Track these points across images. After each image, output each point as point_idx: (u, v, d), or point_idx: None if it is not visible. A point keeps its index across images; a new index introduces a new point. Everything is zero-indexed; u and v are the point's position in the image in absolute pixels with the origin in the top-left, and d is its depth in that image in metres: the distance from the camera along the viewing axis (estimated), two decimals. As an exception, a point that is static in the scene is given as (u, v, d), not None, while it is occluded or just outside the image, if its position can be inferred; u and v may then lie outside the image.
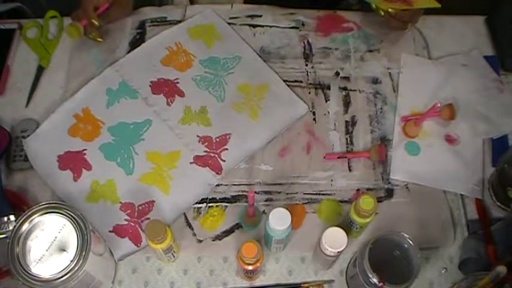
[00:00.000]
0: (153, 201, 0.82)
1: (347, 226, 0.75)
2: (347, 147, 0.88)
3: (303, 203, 0.83)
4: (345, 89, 0.94)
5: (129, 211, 0.81)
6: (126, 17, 1.00)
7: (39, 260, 0.63)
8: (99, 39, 0.95)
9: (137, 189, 0.82)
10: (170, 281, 0.78)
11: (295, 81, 0.94)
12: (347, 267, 0.78)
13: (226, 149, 0.86)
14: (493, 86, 0.93)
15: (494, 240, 0.76)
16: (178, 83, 0.92)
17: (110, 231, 0.79)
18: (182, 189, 0.83)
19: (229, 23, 1.00)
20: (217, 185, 0.84)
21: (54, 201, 0.66)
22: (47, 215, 0.65)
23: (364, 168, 0.86)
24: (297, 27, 1.00)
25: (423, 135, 0.88)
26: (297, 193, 0.84)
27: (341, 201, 0.83)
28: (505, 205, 0.81)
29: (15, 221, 0.68)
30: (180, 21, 1.00)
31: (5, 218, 0.75)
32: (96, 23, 0.92)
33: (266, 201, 0.83)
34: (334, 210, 0.82)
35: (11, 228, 0.73)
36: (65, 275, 0.62)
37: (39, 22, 1.00)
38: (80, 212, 0.66)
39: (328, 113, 0.91)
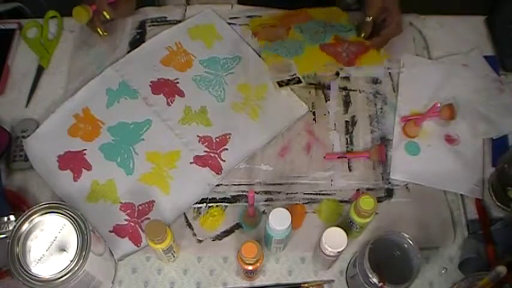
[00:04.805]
0: (153, 201, 0.82)
1: (347, 226, 0.75)
2: (347, 147, 0.88)
3: (303, 203, 0.83)
4: (345, 89, 0.94)
5: (129, 211, 0.81)
6: (129, 16, 1.00)
7: (39, 260, 0.63)
8: (105, 33, 0.95)
9: (137, 189, 0.82)
10: (170, 281, 0.78)
11: (295, 81, 0.94)
12: (347, 267, 0.78)
13: (226, 149, 0.86)
14: (493, 86, 0.93)
15: (494, 240, 0.76)
16: (178, 83, 0.92)
17: (110, 231, 0.79)
18: (182, 189, 0.83)
19: (229, 23, 1.00)
20: (217, 185, 0.84)
21: (54, 201, 0.66)
22: (47, 215, 0.65)
23: (364, 168, 0.86)
24: (297, 27, 1.00)
25: (423, 135, 0.88)
26: (297, 193, 0.84)
27: (341, 201, 0.83)
28: (505, 205, 0.81)
29: (15, 221, 0.68)
30: (180, 21, 1.00)
31: (5, 218, 0.75)
32: (107, 16, 0.92)
33: (266, 201, 0.83)
34: (334, 210, 0.82)
35: (11, 228, 0.74)
36: (65, 275, 0.62)
37: (39, 22, 1.00)
38: (80, 212, 0.66)
39: (328, 113, 0.91)
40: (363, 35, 0.93)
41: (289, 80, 0.81)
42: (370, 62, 0.92)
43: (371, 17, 0.91)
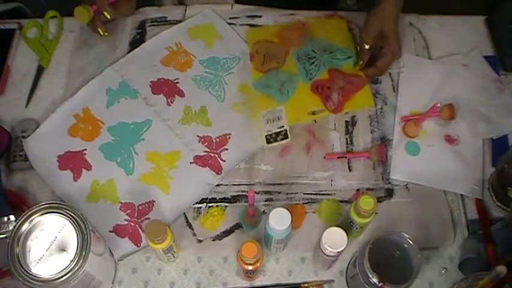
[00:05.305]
0: (153, 201, 0.82)
1: (347, 226, 0.75)
2: (347, 147, 0.88)
3: (303, 203, 0.83)
4: (345, 89, 0.94)
5: (129, 211, 0.81)
6: (129, 16, 1.00)
7: (39, 260, 0.63)
8: (105, 33, 0.95)
9: (137, 189, 0.82)
10: (170, 281, 0.78)
11: (295, 81, 0.94)
12: (347, 267, 0.78)
13: (226, 149, 0.86)
14: (493, 86, 0.93)
15: (494, 240, 0.76)
16: (178, 83, 0.92)
17: (110, 231, 0.79)
18: (182, 189, 0.83)
19: (229, 23, 1.00)
20: (217, 185, 0.84)
21: (54, 201, 0.66)
22: (47, 215, 0.65)
23: (364, 168, 0.86)
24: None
25: (423, 135, 0.88)
26: (297, 193, 0.84)
27: (341, 201, 0.83)
28: (505, 205, 0.81)
29: (15, 221, 0.69)
30: (180, 21, 1.00)
31: (5, 218, 0.75)
32: (108, 16, 0.92)
33: (266, 201, 0.83)
34: (334, 210, 0.82)
35: (11, 228, 0.74)
36: (65, 275, 0.62)
37: (39, 22, 1.00)
38: (80, 212, 0.66)
39: (328, 113, 0.91)
40: (360, 62, 0.91)
41: (277, 134, 0.86)
42: (357, 106, 0.91)
43: (368, 45, 0.89)
